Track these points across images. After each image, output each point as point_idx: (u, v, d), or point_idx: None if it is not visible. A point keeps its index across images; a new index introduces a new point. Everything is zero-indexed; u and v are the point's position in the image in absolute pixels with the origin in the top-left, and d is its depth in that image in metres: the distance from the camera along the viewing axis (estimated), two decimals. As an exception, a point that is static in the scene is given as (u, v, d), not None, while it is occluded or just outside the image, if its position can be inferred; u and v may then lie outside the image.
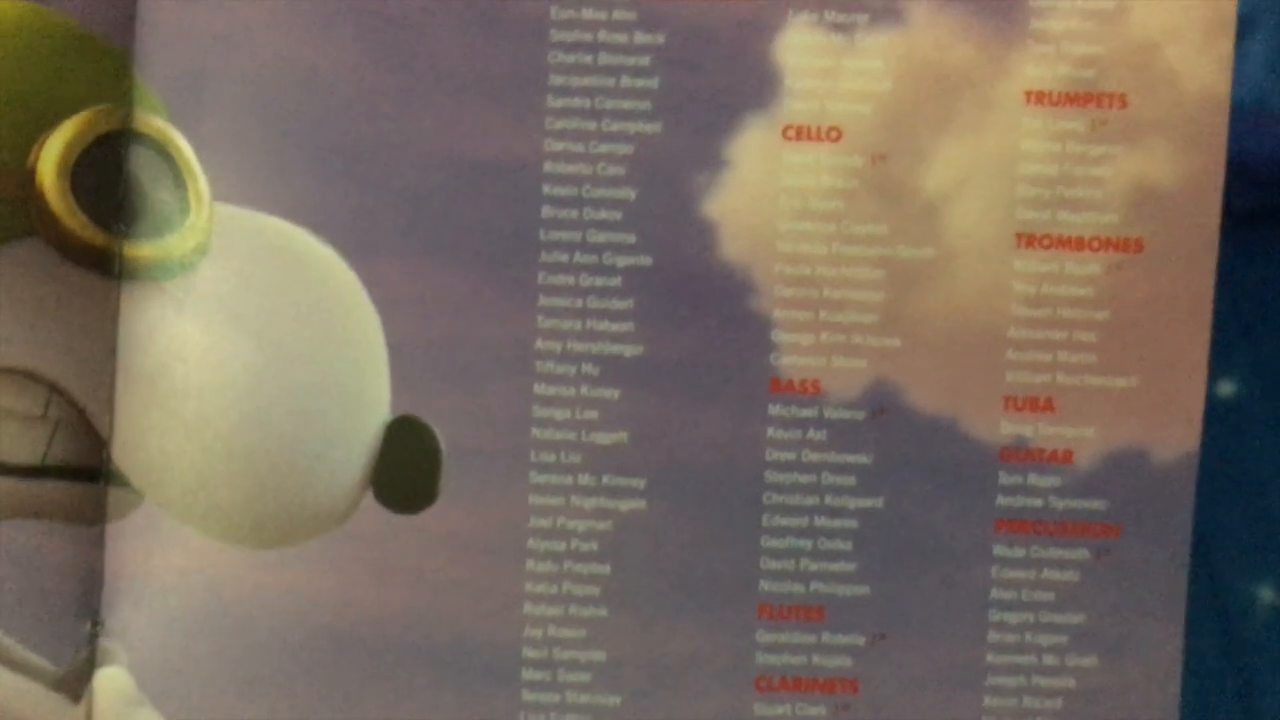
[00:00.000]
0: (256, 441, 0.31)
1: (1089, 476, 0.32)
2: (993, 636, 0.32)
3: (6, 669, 0.31)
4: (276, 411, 0.31)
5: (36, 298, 0.31)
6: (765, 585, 0.32)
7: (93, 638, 0.31)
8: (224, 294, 0.31)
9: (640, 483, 0.32)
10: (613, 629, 0.32)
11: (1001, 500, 0.32)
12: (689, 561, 0.32)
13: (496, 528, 0.32)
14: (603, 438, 0.32)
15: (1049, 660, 0.32)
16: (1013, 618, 0.32)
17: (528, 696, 0.32)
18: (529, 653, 0.32)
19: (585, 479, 0.32)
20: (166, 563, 0.31)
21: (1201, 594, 0.59)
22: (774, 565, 0.32)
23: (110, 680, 0.31)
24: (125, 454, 0.31)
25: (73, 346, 0.31)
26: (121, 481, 0.31)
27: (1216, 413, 0.65)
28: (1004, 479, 0.32)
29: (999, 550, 0.32)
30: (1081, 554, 0.32)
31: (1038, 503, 0.32)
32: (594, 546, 0.32)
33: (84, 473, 0.31)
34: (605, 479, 0.32)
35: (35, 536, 0.31)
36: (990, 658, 0.32)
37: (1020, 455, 0.32)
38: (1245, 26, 0.63)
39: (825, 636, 0.32)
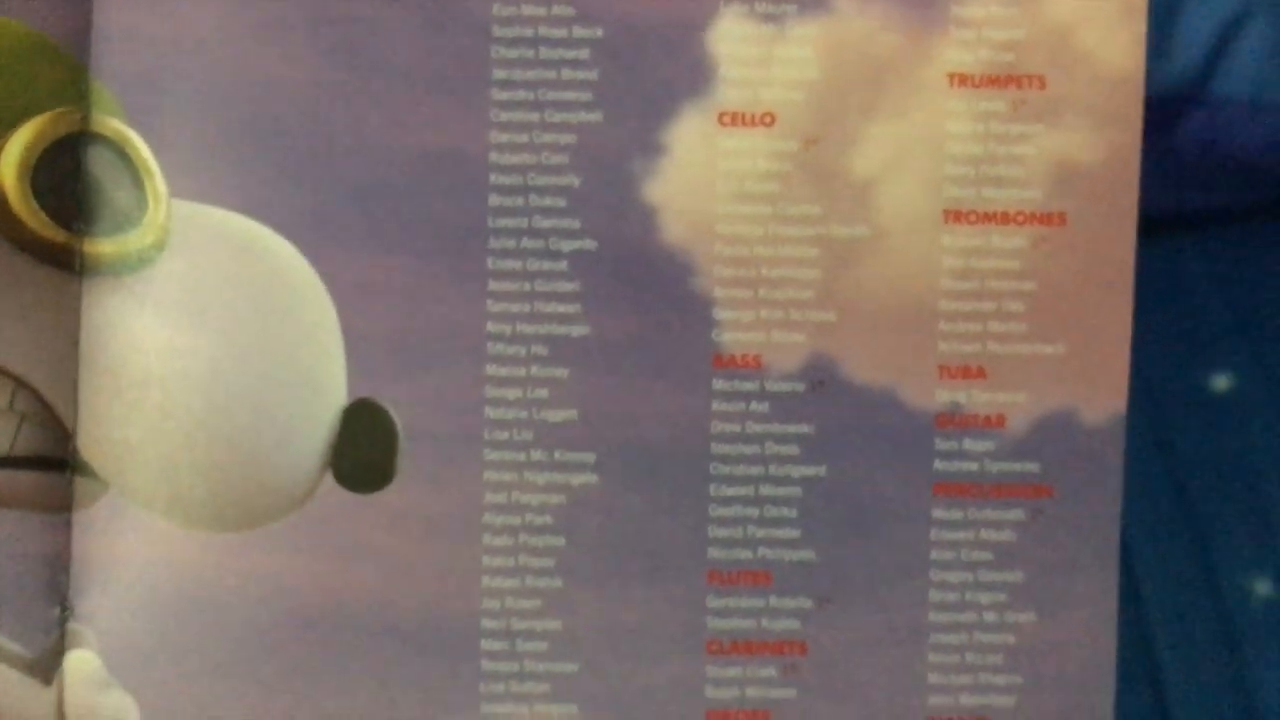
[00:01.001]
0: (217, 429, 0.32)
1: (1021, 440, 0.33)
2: (934, 596, 0.33)
3: None
4: (236, 399, 0.32)
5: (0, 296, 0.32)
6: (714, 552, 0.33)
7: (62, 622, 0.32)
8: (183, 287, 0.32)
9: (591, 458, 0.32)
10: (568, 599, 0.32)
11: (938, 465, 0.33)
12: (640, 532, 0.32)
13: (453, 505, 0.32)
14: (554, 415, 0.32)
15: (989, 617, 0.33)
16: (953, 577, 0.33)
17: (487, 666, 0.32)
18: (487, 624, 0.32)
19: (538, 455, 0.32)
20: (132, 548, 0.32)
21: (1198, 586, 0.59)
22: (722, 533, 0.32)
23: (80, 663, 0.32)
24: (90, 444, 0.32)
25: (36, 341, 0.32)
26: (87, 471, 0.32)
27: (1214, 406, 0.65)
28: (940, 444, 0.33)
29: (937, 513, 0.33)
30: (1017, 514, 0.33)
31: (973, 466, 0.33)
32: (548, 520, 0.32)
33: (50, 463, 0.32)
34: (557, 455, 0.32)
35: (4, 525, 0.32)
36: (933, 616, 0.33)
37: (955, 421, 0.33)
38: (1240, 20, 0.64)
39: (773, 600, 0.33)
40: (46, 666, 0.32)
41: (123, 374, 0.32)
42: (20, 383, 0.32)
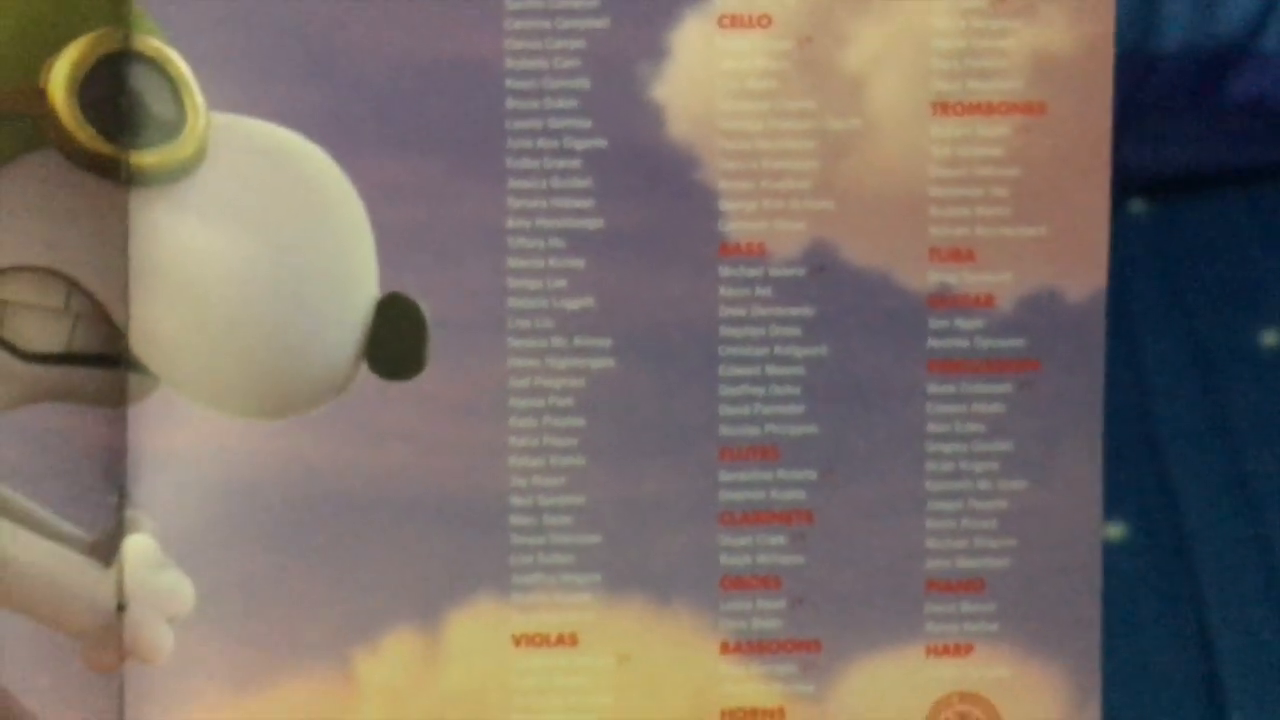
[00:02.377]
0: (258, 324, 0.33)
1: (1009, 317, 0.34)
2: (931, 466, 0.34)
3: (44, 537, 0.33)
4: (275, 296, 0.33)
5: (53, 203, 0.33)
6: (724, 430, 0.34)
7: (119, 508, 0.33)
8: (222, 193, 0.33)
9: (608, 342, 0.34)
10: (590, 475, 0.34)
11: (932, 343, 0.34)
12: (655, 411, 0.34)
13: (480, 390, 0.34)
14: (572, 304, 0.34)
15: (983, 485, 0.34)
16: (948, 449, 0.34)
17: (516, 540, 0.34)
18: (515, 500, 0.34)
19: (558, 341, 0.34)
20: (184, 438, 0.33)
21: (1249, 544, 0.59)
22: (731, 411, 0.34)
23: (137, 546, 0.33)
24: (141, 342, 0.33)
25: (88, 246, 0.33)
26: (139, 367, 0.33)
27: (1264, 362, 0.65)
28: (933, 323, 0.34)
29: (932, 388, 0.34)
30: (1006, 388, 0.34)
31: (964, 344, 0.34)
32: (569, 402, 0.34)
33: (105, 360, 0.33)
34: (576, 340, 0.34)
35: (64, 418, 0.33)
36: (930, 485, 0.34)
37: (946, 301, 0.34)
38: None
39: (780, 473, 0.34)
40: (106, 550, 0.33)
41: (169, 276, 0.33)
42: (75, 285, 0.33)
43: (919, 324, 0.34)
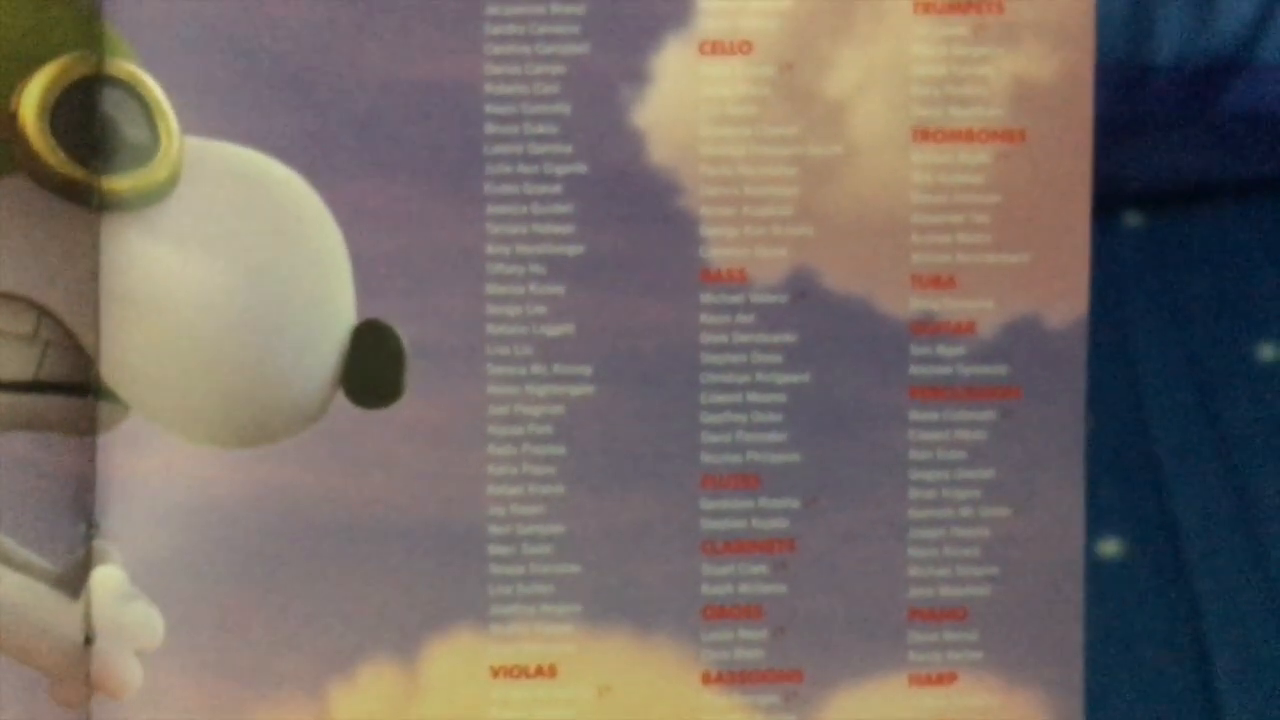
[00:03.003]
0: (233, 352, 0.33)
1: (991, 345, 0.34)
2: (913, 494, 0.34)
3: (10, 568, 0.32)
4: (250, 323, 0.33)
5: (23, 229, 0.32)
6: (706, 457, 0.34)
7: (88, 539, 0.33)
8: (196, 218, 0.33)
9: (588, 370, 0.33)
10: (570, 504, 0.33)
11: (914, 370, 0.34)
12: (636, 439, 0.33)
13: (459, 417, 0.33)
14: (551, 330, 0.33)
15: (965, 512, 0.34)
16: (930, 476, 0.34)
17: (495, 569, 0.33)
18: (494, 529, 0.33)
19: (537, 369, 0.33)
20: (154, 467, 0.33)
21: (1245, 557, 0.59)
22: (713, 439, 0.34)
23: (106, 577, 0.33)
24: (112, 370, 0.33)
25: (58, 273, 0.32)
26: (109, 395, 0.33)
27: (1260, 375, 0.65)
28: (915, 350, 0.34)
29: (914, 415, 0.34)
30: (988, 415, 0.34)
31: (946, 370, 0.34)
32: (549, 430, 0.33)
33: (74, 388, 0.33)
34: (556, 368, 0.33)
35: (32, 447, 0.32)
36: (912, 513, 0.34)
37: (928, 328, 0.34)
38: None
39: (763, 501, 0.34)
40: (74, 581, 0.33)
41: (141, 303, 0.33)
42: (44, 312, 0.32)
43: (901, 351, 0.34)
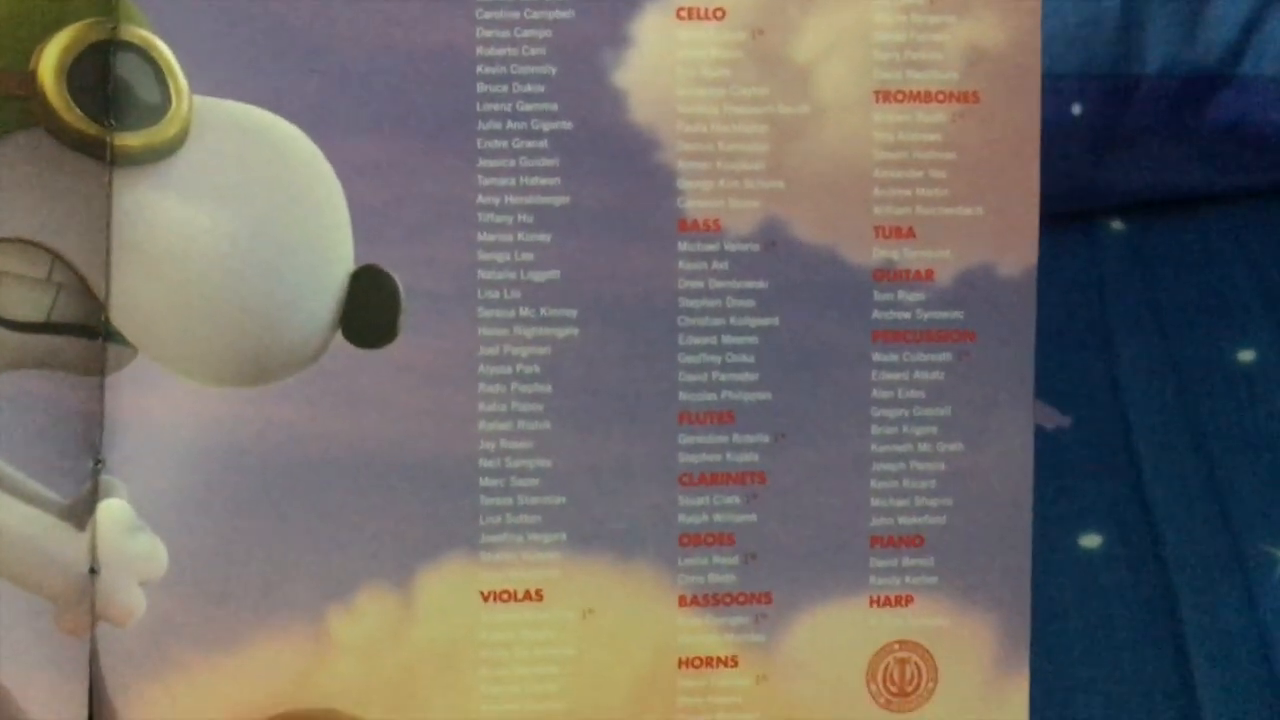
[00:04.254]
0: (236, 297, 0.34)
1: (947, 291, 0.36)
2: (875, 430, 0.36)
3: (20, 500, 0.34)
4: (253, 270, 0.34)
5: (40, 179, 0.34)
6: (683, 395, 0.35)
7: (95, 473, 0.34)
8: (203, 172, 0.34)
9: (573, 313, 0.35)
10: (556, 439, 0.35)
11: (877, 314, 0.36)
12: (617, 378, 0.35)
13: (451, 358, 0.35)
14: (539, 276, 0.35)
15: (923, 448, 0.36)
16: (891, 413, 0.36)
17: (485, 501, 0.35)
18: (485, 463, 0.35)
19: (525, 312, 0.35)
20: (160, 406, 0.34)
21: (1223, 553, 0.59)
22: (690, 378, 0.35)
23: (111, 510, 0.34)
24: (121, 314, 0.34)
25: (72, 221, 0.34)
26: (118, 338, 0.34)
27: (1237, 379, 0.66)
28: (878, 296, 0.36)
29: (877, 357, 0.36)
30: (945, 357, 0.36)
31: (906, 315, 0.36)
32: (536, 369, 0.35)
33: (85, 330, 0.34)
34: (543, 311, 0.35)
35: (44, 385, 0.34)
36: (874, 448, 0.36)
37: (890, 275, 0.36)
38: (1271, 1, 0.66)
39: (736, 437, 0.35)
40: (81, 513, 0.34)
41: (150, 251, 0.34)
42: (58, 257, 0.34)
43: (864, 296, 0.35)
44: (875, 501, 0.36)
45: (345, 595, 0.35)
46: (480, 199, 0.35)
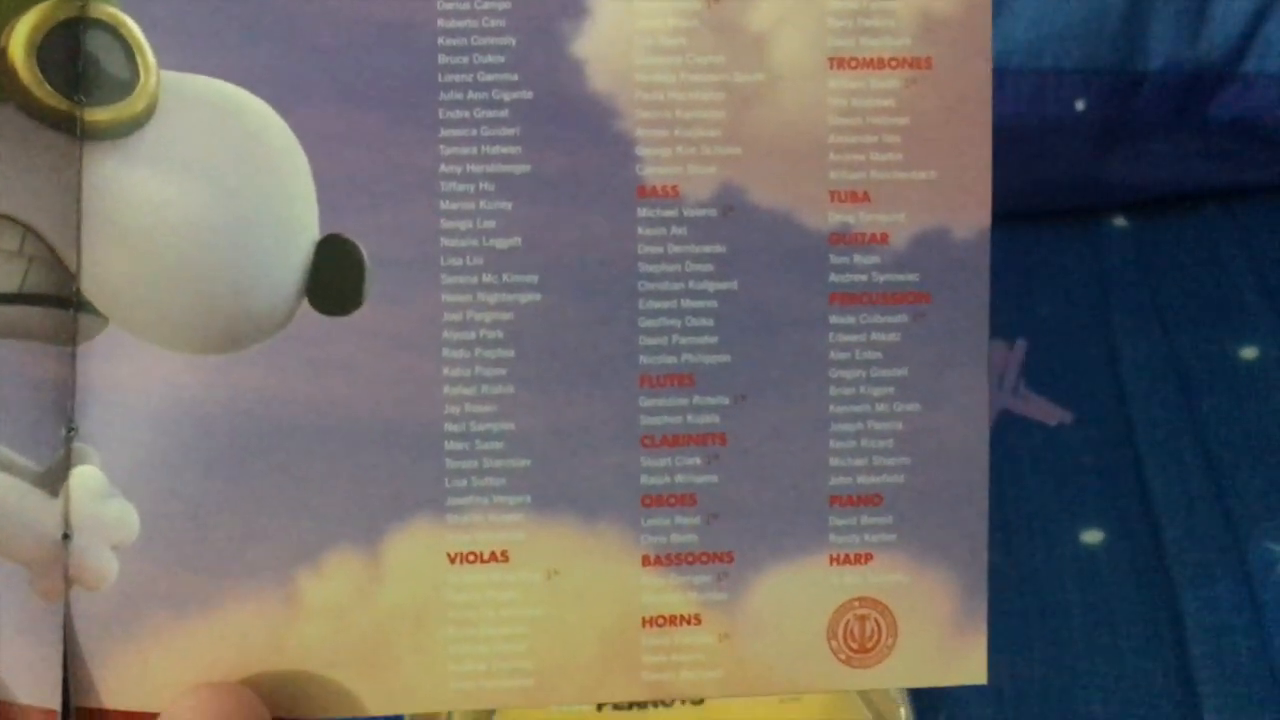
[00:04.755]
0: (205, 266, 0.35)
1: (902, 254, 0.36)
2: (833, 391, 0.36)
3: None
4: (221, 240, 0.35)
5: (11, 154, 0.34)
6: (644, 359, 0.36)
7: (68, 441, 0.34)
8: (171, 146, 0.35)
9: (534, 278, 0.35)
10: (519, 403, 0.35)
11: (833, 277, 0.36)
12: (579, 342, 0.35)
13: (415, 324, 0.35)
14: (501, 243, 0.35)
15: (880, 408, 0.36)
16: (849, 374, 0.36)
17: (451, 464, 0.35)
18: (449, 427, 0.35)
19: (488, 278, 0.35)
20: (131, 374, 0.34)
21: (1223, 550, 0.59)
22: (650, 341, 0.36)
23: (84, 477, 0.34)
24: (92, 285, 0.34)
25: (43, 194, 0.34)
26: (89, 309, 0.35)
27: (1239, 376, 0.66)
28: (834, 259, 0.36)
29: (834, 319, 0.36)
30: (901, 319, 0.36)
31: (863, 278, 0.36)
32: (499, 334, 0.35)
33: (56, 301, 0.34)
34: (505, 277, 0.35)
35: (16, 354, 0.34)
36: (833, 408, 0.36)
37: (846, 239, 0.36)
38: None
39: (696, 399, 0.36)
40: (54, 480, 0.34)
41: (120, 223, 0.34)
42: (29, 230, 0.34)
43: (821, 260, 0.36)
44: (834, 461, 0.36)
45: (314, 558, 0.35)
46: (443, 168, 0.35)
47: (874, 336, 0.36)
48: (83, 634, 0.35)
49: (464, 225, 0.35)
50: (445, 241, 0.35)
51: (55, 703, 0.34)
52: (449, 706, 0.36)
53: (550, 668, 0.36)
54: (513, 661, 0.36)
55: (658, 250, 0.36)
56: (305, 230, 0.35)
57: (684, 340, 0.36)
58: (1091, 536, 0.61)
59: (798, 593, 0.36)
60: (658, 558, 0.36)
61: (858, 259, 0.36)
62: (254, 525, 0.35)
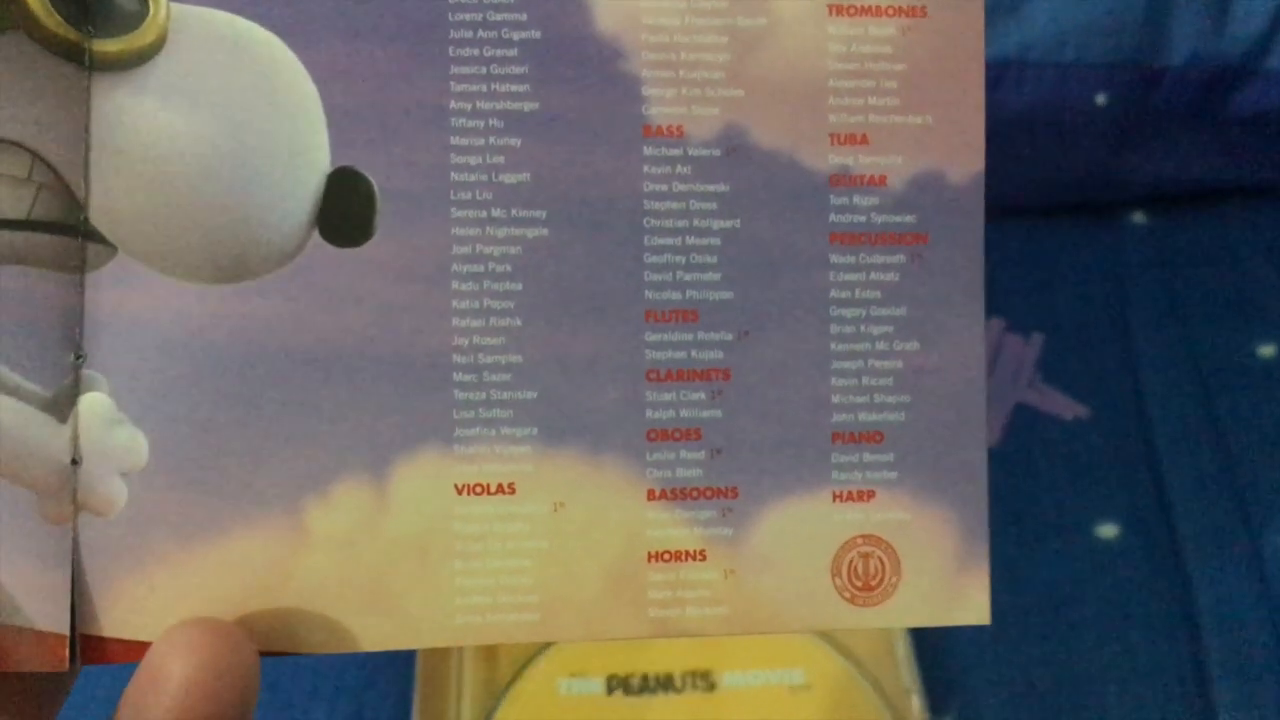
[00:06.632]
0: (215, 197, 0.34)
1: (900, 195, 0.37)
2: (834, 329, 0.36)
3: (2, 392, 0.34)
4: (231, 170, 0.35)
5: (20, 81, 0.34)
6: (649, 294, 0.36)
7: (76, 367, 0.34)
8: (180, 77, 0.35)
9: (542, 214, 0.36)
10: (527, 336, 0.36)
11: (833, 217, 0.37)
12: (586, 278, 0.36)
13: (425, 256, 0.35)
14: (509, 178, 0.36)
15: (880, 346, 0.37)
16: (849, 313, 0.37)
17: (459, 395, 0.35)
18: (458, 359, 0.35)
19: (497, 213, 0.36)
20: (140, 303, 0.34)
21: (1239, 545, 0.60)
22: (655, 277, 0.36)
23: (93, 403, 0.34)
24: (100, 214, 0.34)
25: (52, 123, 0.34)
26: (97, 237, 0.34)
27: (1257, 373, 0.67)
28: (834, 200, 0.37)
29: (834, 258, 0.37)
30: (899, 259, 0.37)
31: (862, 219, 0.37)
32: (508, 268, 0.36)
33: (65, 228, 0.34)
34: (514, 212, 0.36)
35: (24, 281, 0.34)
36: (833, 346, 0.36)
37: (845, 180, 0.37)
38: None
39: (700, 335, 0.36)
40: (63, 406, 0.34)
41: (128, 154, 0.34)
42: (37, 157, 0.34)
43: (821, 200, 0.37)
44: (836, 398, 0.36)
45: (323, 487, 0.35)
46: (453, 104, 0.35)
47: (873, 276, 0.37)
48: (89, 561, 0.34)
49: (474, 160, 0.36)
50: (455, 176, 0.35)
51: (64, 627, 0.34)
52: (454, 641, 0.35)
53: (556, 602, 0.36)
54: (518, 595, 0.35)
55: (663, 188, 0.36)
56: (316, 162, 0.35)
57: (688, 277, 0.36)
58: (1107, 530, 0.61)
59: (802, 529, 0.36)
60: (663, 492, 0.36)
61: (857, 200, 0.37)
62: (263, 454, 0.35)
